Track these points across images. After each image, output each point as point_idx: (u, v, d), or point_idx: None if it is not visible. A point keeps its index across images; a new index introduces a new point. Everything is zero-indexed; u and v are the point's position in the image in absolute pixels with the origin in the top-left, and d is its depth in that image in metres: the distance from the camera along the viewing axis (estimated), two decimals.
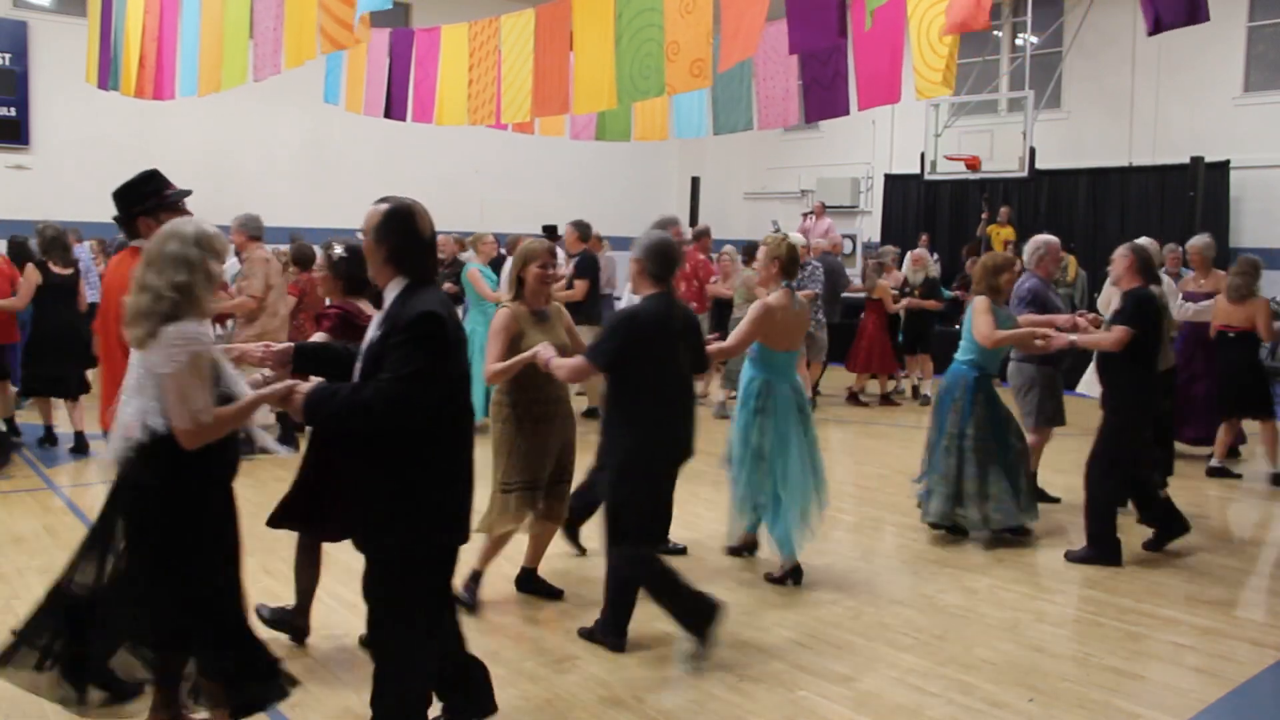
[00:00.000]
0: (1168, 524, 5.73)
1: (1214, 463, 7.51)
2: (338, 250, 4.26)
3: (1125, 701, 3.85)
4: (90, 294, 8.46)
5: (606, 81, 6.04)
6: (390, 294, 2.97)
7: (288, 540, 4.20)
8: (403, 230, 2.97)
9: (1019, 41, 14.88)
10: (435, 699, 3.25)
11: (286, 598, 4.33)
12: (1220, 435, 7.54)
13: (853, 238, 16.32)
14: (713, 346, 5.15)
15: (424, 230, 3.00)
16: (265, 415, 6.52)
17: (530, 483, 4.48)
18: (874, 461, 7.80)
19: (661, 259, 4.15)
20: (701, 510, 6.24)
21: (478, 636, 4.36)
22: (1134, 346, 5.43)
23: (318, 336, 4.10)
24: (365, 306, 4.17)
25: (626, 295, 6.01)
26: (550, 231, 13.88)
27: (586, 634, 4.32)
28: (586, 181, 17.62)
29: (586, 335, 5.44)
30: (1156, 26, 4.94)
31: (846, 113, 6.68)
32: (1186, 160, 12.70)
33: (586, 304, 8.53)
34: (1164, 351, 6.18)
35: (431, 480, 2.93)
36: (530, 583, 4.89)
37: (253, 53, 7.24)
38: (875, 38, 6.26)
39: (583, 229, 9.17)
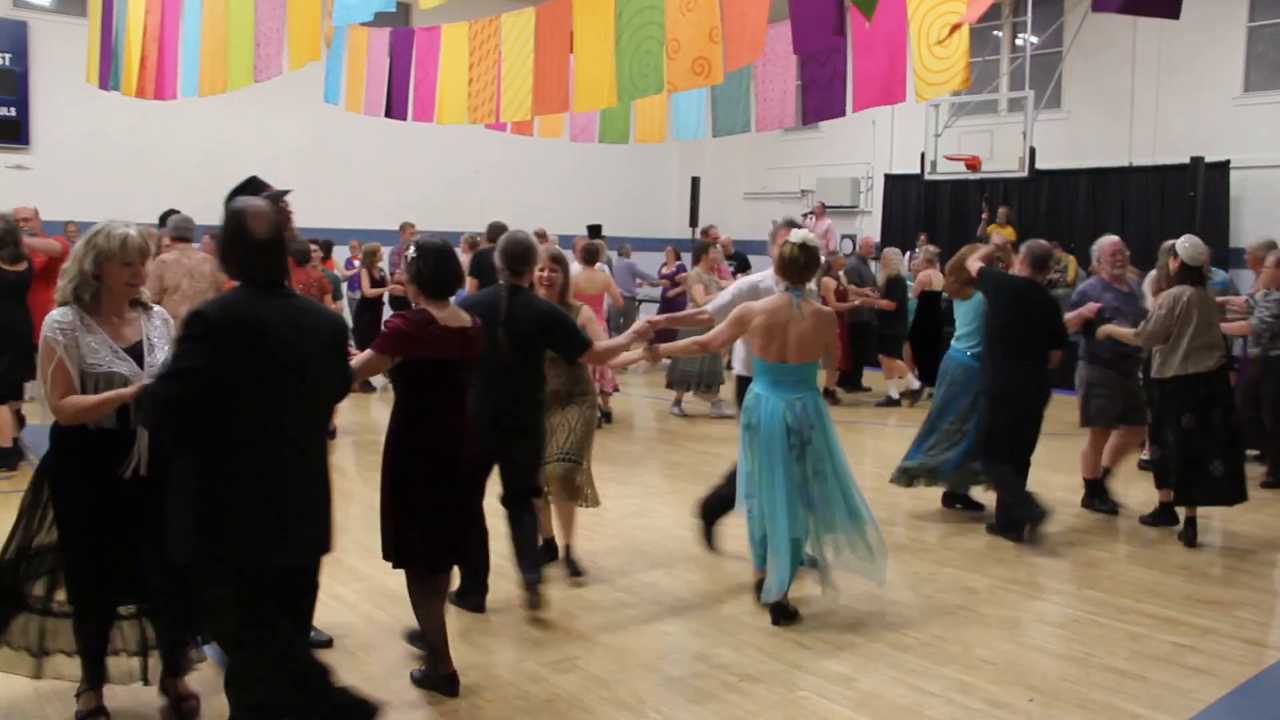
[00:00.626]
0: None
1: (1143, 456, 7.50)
2: (410, 251, 3.85)
3: (1125, 701, 3.85)
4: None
5: (606, 80, 6.04)
6: None
7: None
8: (231, 230, 2.93)
9: (1019, 41, 14.88)
10: None
11: None
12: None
13: (853, 238, 16.28)
14: (685, 344, 5.18)
15: (255, 231, 2.91)
16: None
17: None
18: (872, 461, 7.80)
19: (508, 256, 4.47)
20: None
21: (478, 637, 4.37)
22: (990, 329, 5.88)
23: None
24: (440, 310, 3.75)
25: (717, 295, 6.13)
26: (594, 231, 14.08)
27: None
28: (586, 182, 17.62)
29: None
30: (1126, 6, 4.94)
31: (844, 114, 6.68)
32: (1186, 160, 12.70)
33: None
34: (1194, 353, 5.83)
35: (234, 492, 2.82)
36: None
37: (257, 55, 7.22)
38: (876, 38, 6.25)
39: (490, 229, 9.35)
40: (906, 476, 6.37)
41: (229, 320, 2.80)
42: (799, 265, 4.55)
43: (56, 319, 3.23)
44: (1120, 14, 5.04)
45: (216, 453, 2.83)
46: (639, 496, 5.62)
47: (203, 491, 2.83)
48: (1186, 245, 5.99)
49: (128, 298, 3.39)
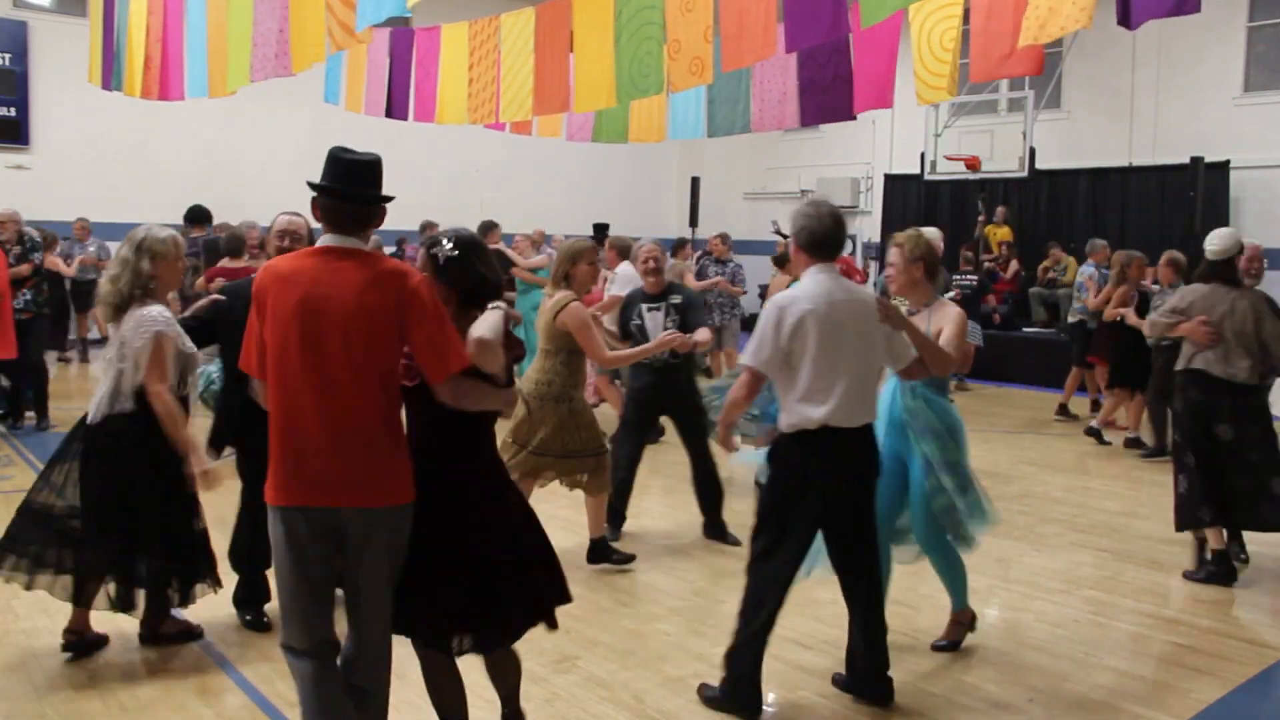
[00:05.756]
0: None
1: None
2: (446, 246, 2.87)
3: (1125, 701, 3.86)
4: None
5: (606, 80, 6.04)
6: None
7: None
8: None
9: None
10: None
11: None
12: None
13: (852, 238, 16.33)
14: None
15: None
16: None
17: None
18: None
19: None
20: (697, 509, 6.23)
21: None
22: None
23: None
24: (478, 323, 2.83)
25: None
26: (601, 230, 14.14)
27: None
28: (586, 181, 17.63)
29: None
30: (1126, 19, 5.00)
31: (850, 117, 6.67)
32: (1186, 160, 12.70)
33: None
34: (1230, 358, 5.14)
35: None
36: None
37: (254, 55, 7.19)
38: (870, 41, 6.26)
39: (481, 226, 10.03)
40: None
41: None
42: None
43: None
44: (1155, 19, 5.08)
45: None
46: (637, 496, 5.62)
47: None
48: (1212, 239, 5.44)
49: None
